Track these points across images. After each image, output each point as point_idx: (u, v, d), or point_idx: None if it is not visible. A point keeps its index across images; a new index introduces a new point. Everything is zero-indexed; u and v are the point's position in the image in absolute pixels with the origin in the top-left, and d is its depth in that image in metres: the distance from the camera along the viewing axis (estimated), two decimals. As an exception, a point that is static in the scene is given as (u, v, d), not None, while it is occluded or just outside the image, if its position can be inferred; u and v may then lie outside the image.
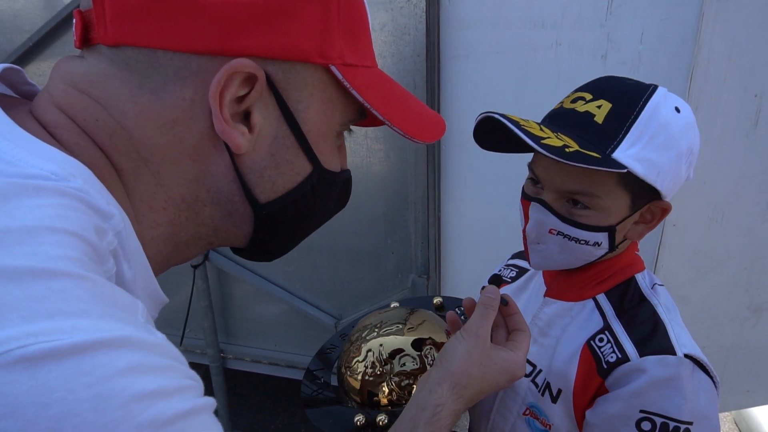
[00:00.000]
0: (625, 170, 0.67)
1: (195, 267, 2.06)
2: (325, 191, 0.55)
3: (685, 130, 0.71)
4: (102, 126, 0.45)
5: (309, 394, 0.90)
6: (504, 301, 0.71)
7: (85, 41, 0.46)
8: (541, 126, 0.71)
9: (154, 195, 0.47)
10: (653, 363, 0.69)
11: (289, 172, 0.51)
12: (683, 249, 1.60)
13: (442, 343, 0.85)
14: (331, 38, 0.48)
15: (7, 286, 0.30)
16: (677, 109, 0.71)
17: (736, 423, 2.69)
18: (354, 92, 0.50)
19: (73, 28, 0.46)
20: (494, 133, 0.74)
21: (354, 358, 0.88)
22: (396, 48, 1.62)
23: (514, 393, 0.84)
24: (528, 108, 1.64)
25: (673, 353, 0.70)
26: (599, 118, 0.70)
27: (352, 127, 0.57)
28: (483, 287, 0.72)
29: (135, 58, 0.44)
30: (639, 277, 0.81)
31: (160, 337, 0.36)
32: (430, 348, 0.86)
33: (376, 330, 0.89)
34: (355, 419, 0.81)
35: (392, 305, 1.03)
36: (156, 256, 0.49)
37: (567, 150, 0.65)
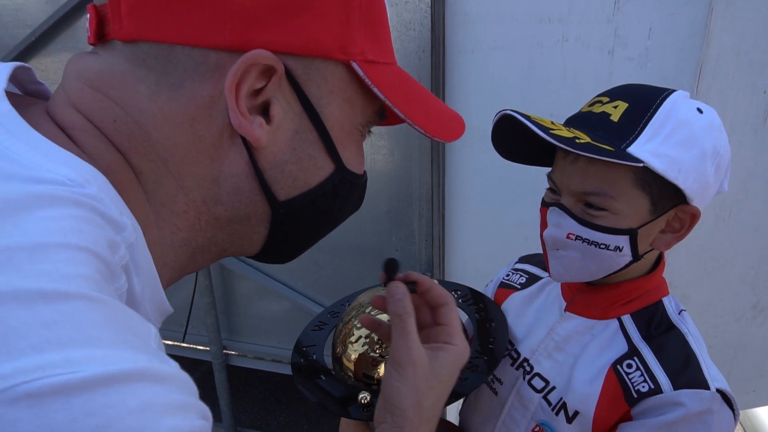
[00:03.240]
0: (642, 164, 0.64)
1: (198, 263, 2.06)
2: (346, 192, 0.54)
3: (708, 129, 0.69)
4: (120, 126, 0.43)
5: (302, 372, 0.85)
6: (412, 288, 0.61)
7: (100, 37, 0.45)
8: (554, 122, 0.70)
9: (175, 198, 0.45)
10: (689, 397, 0.68)
11: (311, 168, 0.49)
12: (690, 247, 1.59)
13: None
14: (353, 34, 0.47)
15: (16, 310, 0.28)
16: (699, 110, 0.70)
17: (741, 423, 2.68)
18: (375, 90, 0.49)
19: (87, 24, 0.45)
20: (510, 136, 0.73)
21: (356, 334, 0.84)
22: (401, 43, 1.61)
23: (523, 408, 0.82)
24: (534, 104, 1.64)
25: (707, 387, 0.69)
26: (615, 117, 0.68)
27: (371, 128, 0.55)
28: (385, 283, 0.61)
29: (152, 54, 0.43)
30: (666, 301, 0.79)
31: (174, 366, 0.34)
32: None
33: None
34: (360, 397, 0.77)
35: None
36: (173, 263, 0.48)
37: (577, 141, 0.63)
